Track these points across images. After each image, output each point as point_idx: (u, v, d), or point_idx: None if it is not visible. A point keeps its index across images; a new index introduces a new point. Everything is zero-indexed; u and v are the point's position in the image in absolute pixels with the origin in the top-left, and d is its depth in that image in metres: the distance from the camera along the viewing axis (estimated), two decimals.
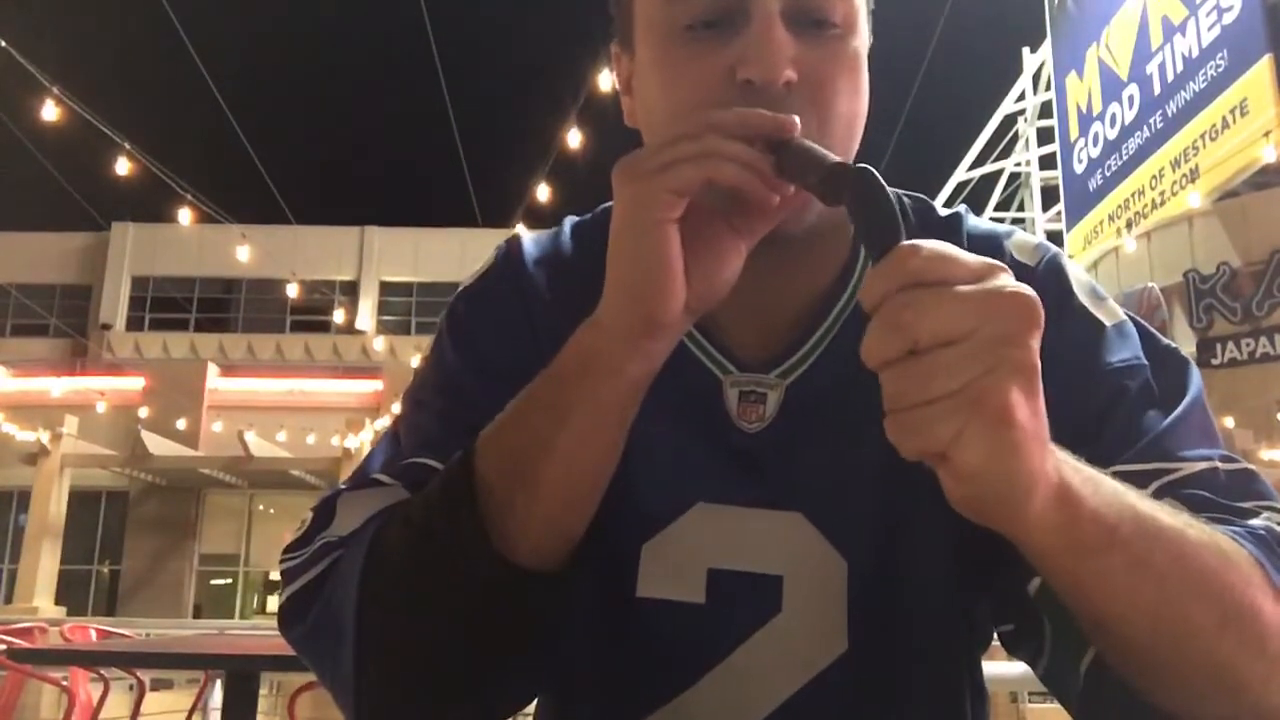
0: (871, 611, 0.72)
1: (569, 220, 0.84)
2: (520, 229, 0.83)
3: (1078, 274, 0.76)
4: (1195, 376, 0.72)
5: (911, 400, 0.45)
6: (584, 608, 0.72)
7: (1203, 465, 0.66)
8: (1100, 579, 0.53)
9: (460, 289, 0.81)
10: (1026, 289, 0.46)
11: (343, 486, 0.72)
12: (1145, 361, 0.71)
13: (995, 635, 0.76)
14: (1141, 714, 0.60)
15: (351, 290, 25.73)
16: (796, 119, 0.57)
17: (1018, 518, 0.49)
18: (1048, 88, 20.48)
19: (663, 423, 0.72)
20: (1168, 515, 0.56)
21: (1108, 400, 0.69)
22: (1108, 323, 0.73)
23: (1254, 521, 0.62)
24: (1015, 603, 0.68)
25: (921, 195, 0.82)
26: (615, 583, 0.73)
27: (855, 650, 0.72)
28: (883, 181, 0.51)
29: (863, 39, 0.71)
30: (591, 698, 0.76)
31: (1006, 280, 0.46)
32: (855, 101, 0.70)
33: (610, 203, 0.82)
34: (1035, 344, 0.46)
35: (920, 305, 0.45)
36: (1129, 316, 0.75)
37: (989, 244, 0.77)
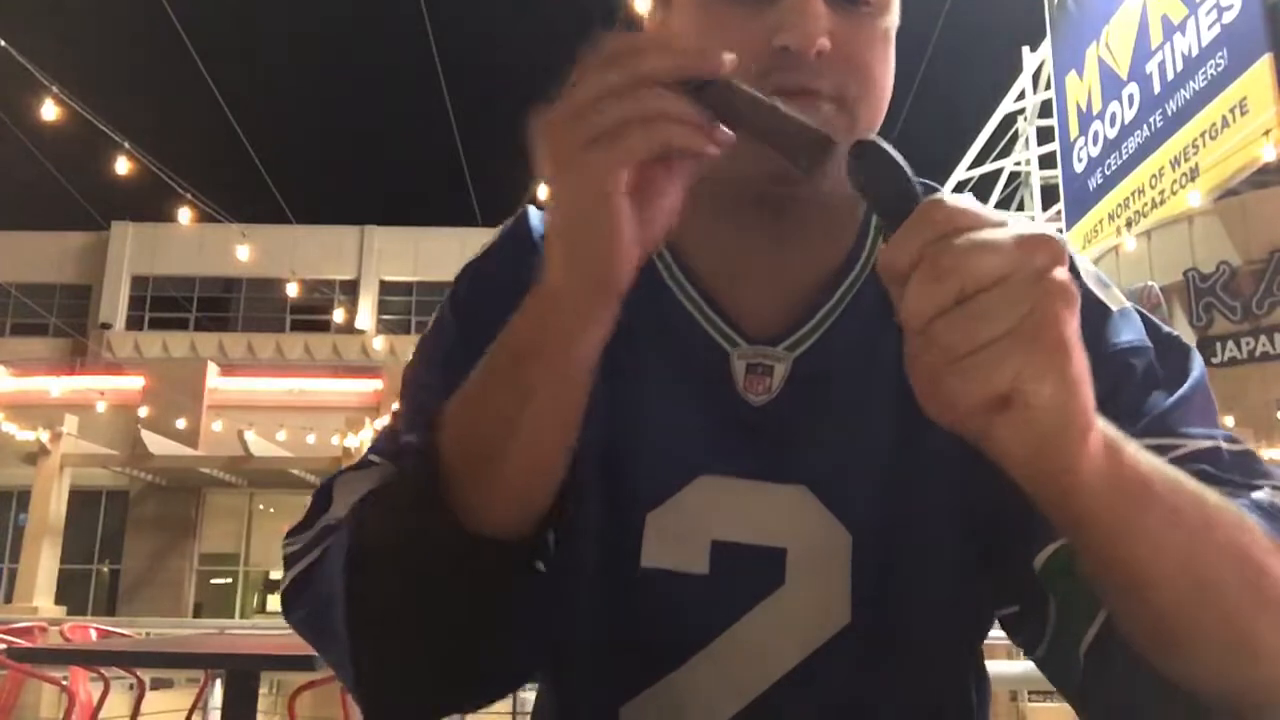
0: (875, 585, 0.72)
1: None
2: (530, 210, 0.83)
3: (1084, 263, 0.77)
4: (1198, 361, 0.73)
5: (970, 345, 0.44)
6: (586, 577, 0.73)
7: (1207, 443, 0.66)
8: (1139, 534, 0.53)
9: (465, 264, 0.81)
10: (1045, 228, 0.47)
11: (342, 470, 0.74)
12: (1150, 344, 0.72)
13: (997, 621, 0.76)
14: (1144, 689, 0.60)
15: (351, 290, 25.73)
16: (728, 56, 0.53)
17: (1075, 463, 0.48)
18: (1047, 87, 20.47)
19: (669, 394, 0.73)
20: (1185, 478, 0.56)
21: (1113, 380, 0.69)
22: (1114, 308, 0.73)
23: (1256, 494, 0.63)
24: (1021, 582, 0.68)
25: (931, 183, 0.82)
26: (618, 553, 0.73)
27: (858, 623, 0.72)
28: (891, 149, 0.50)
29: (893, 19, 0.73)
30: (592, 668, 0.75)
31: (1024, 224, 0.47)
32: (885, 75, 0.73)
33: None
34: (1068, 275, 0.46)
35: (962, 252, 0.45)
36: (1133, 306, 0.76)
37: None
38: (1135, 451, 0.53)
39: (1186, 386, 0.70)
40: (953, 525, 0.73)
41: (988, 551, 0.72)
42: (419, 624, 0.65)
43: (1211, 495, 0.57)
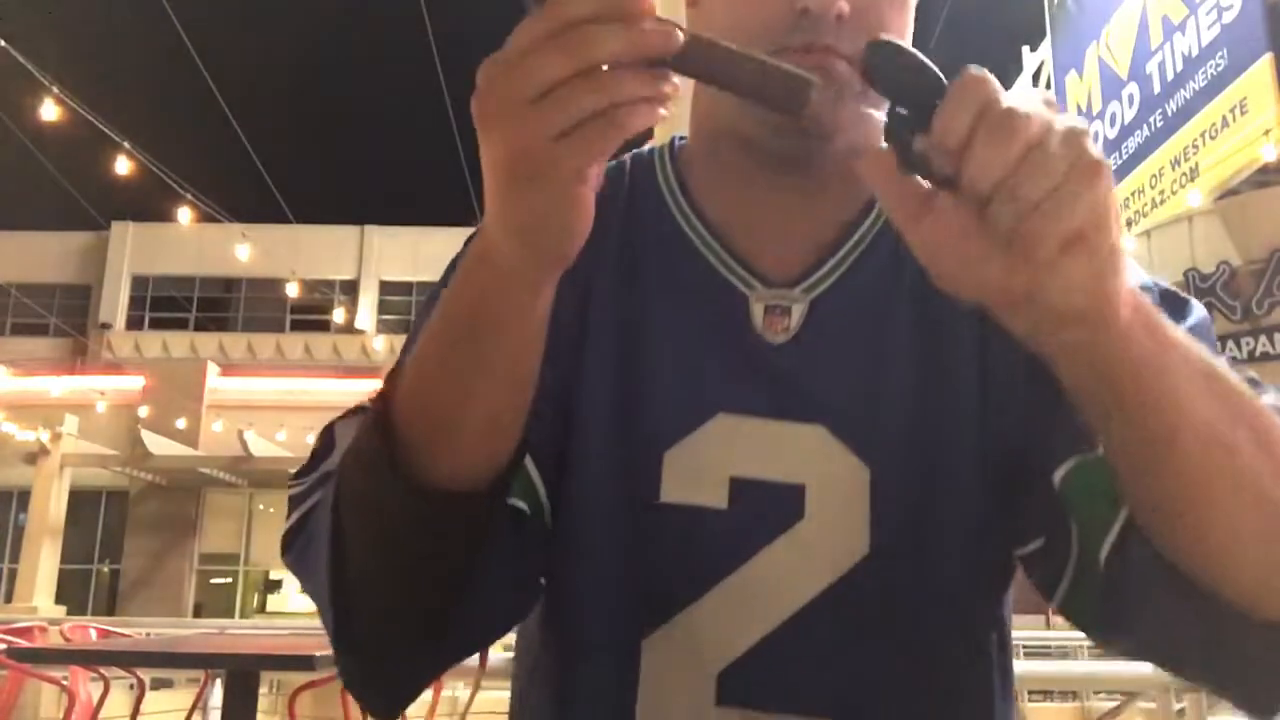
0: (894, 517, 0.74)
1: (632, 156, 0.87)
2: None
3: None
4: (1199, 307, 0.74)
5: (1045, 189, 0.47)
6: (604, 515, 0.74)
7: None
8: (1166, 379, 0.55)
9: None
10: (1042, 92, 0.52)
11: (347, 411, 0.74)
12: (1154, 286, 0.74)
13: (1021, 567, 0.77)
14: (1163, 593, 0.61)
15: (351, 290, 25.72)
16: (679, 32, 0.50)
17: (1119, 300, 0.52)
18: (1047, 86, 20.46)
19: (686, 336, 0.76)
20: (1197, 341, 0.59)
21: None
22: None
23: (1265, 398, 0.64)
24: (1044, 511, 0.70)
25: None
26: (638, 488, 0.74)
27: (877, 553, 0.73)
28: (901, 44, 0.52)
29: None
30: (613, 605, 0.75)
31: (1023, 90, 0.51)
32: (904, 39, 0.76)
33: (653, 146, 0.87)
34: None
35: (1019, 115, 0.48)
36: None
37: None
38: (1154, 308, 0.57)
39: (1190, 322, 0.72)
40: (972, 459, 0.74)
41: (1009, 483, 0.73)
42: (390, 574, 0.65)
43: (1222, 363, 0.59)
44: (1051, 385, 0.62)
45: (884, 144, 0.52)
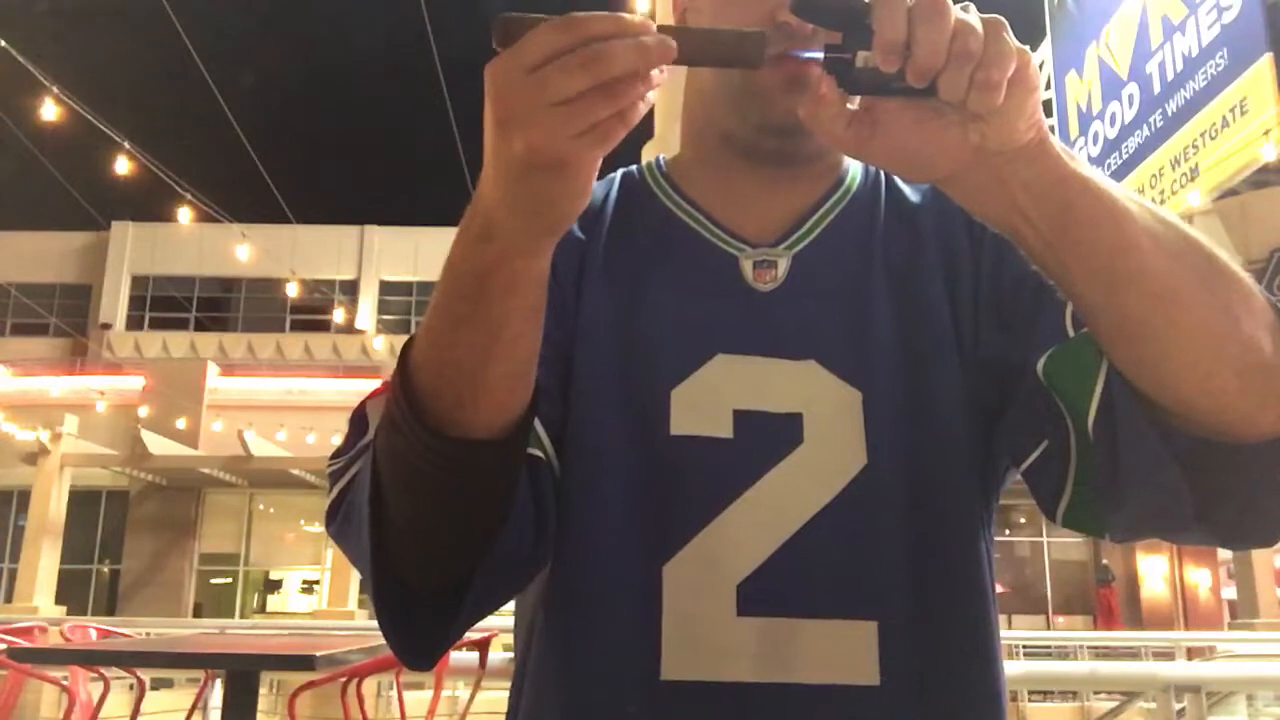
0: (886, 429, 0.80)
1: (622, 171, 0.95)
2: None
3: None
4: None
5: (979, 44, 0.56)
6: (619, 450, 0.80)
7: None
8: (1107, 194, 0.63)
9: None
10: None
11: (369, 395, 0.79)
12: None
13: (1023, 480, 0.81)
14: (1151, 442, 0.67)
15: (351, 290, 25.72)
16: (673, 44, 0.57)
17: (1044, 126, 0.61)
18: (1048, 87, 20.46)
19: (682, 290, 0.84)
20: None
21: None
22: None
23: None
24: (1037, 409, 0.76)
25: None
26: (649, 424, 0.80)
27: (874, 464, 0.79)
28: None
29: None
30: (632, 534, 0.78)
31: None
32: None
33: (646, 164, 0.94)
34: None
35: (937, 1, 0.57)
36: None
37: None
38: None
39: None
40: (953, 376, 0.81)
41: (1001, 396, 0.80)
42: (425, 528, 0.71)
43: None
44: (1015, 300, 0.78)
45: (825, 75, 0.60)
